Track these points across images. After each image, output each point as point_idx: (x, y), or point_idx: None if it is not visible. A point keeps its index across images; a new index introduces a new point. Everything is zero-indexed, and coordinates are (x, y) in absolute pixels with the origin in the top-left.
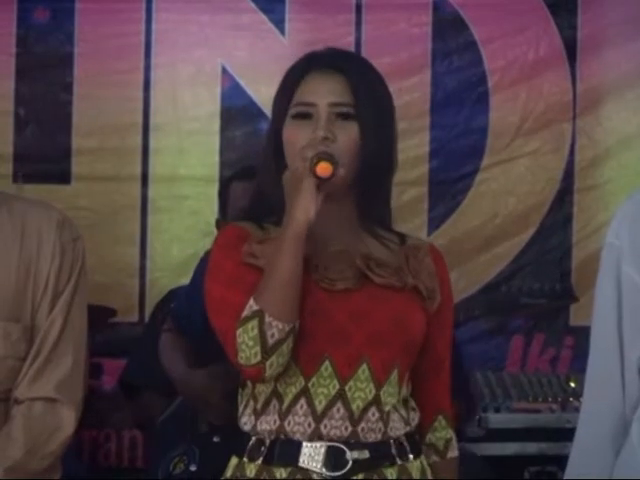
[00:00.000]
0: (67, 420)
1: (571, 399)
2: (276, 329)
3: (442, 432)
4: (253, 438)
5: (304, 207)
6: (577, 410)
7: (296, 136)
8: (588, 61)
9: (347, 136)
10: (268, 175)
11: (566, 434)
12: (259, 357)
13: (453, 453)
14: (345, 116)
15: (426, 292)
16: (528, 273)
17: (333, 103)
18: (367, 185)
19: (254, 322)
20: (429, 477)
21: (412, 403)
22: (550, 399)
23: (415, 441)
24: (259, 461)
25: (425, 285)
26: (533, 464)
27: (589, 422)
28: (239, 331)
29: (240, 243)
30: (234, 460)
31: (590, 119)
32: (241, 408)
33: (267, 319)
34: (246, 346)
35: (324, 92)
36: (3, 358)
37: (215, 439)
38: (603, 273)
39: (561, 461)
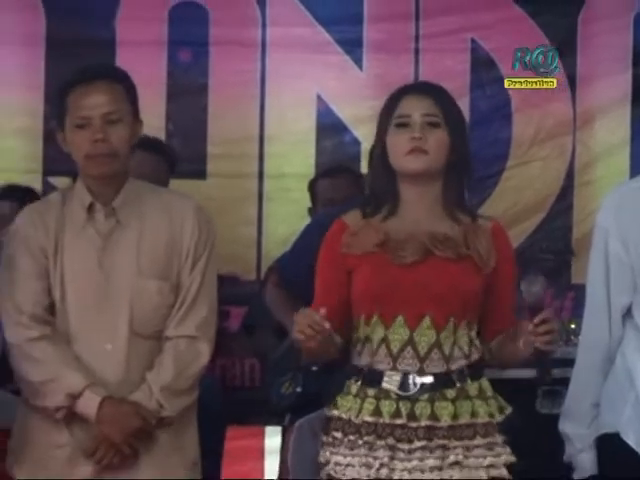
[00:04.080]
0: (204, 351)
1: (572, 337)
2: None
3: None
4: (356, 367)
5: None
6: (576, 345)
7: (397, 139)
8: (584, 90)
9: (436, 138)
10: (378, 176)
11: (568, 362)
12: None
13: None
14: (434, 125)
15: (480, 260)
16: (540, 244)
17: (425, 114)
18: (451, 176)
19: None
20: (489, 395)
21: (476, 342)
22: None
23: (475, 370)
24: (359, 382)
25: (479, 254)
26: (545, 385)
27: (584, 354)
28: None
29: (339, 236)
30: (347, 382)
31: (586, 132)
32: (352, 348)
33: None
34: None
35: (418, 107)
36: (158, 307)
37: (314, 368)
38: (595, 246)
39: (565, 382)
